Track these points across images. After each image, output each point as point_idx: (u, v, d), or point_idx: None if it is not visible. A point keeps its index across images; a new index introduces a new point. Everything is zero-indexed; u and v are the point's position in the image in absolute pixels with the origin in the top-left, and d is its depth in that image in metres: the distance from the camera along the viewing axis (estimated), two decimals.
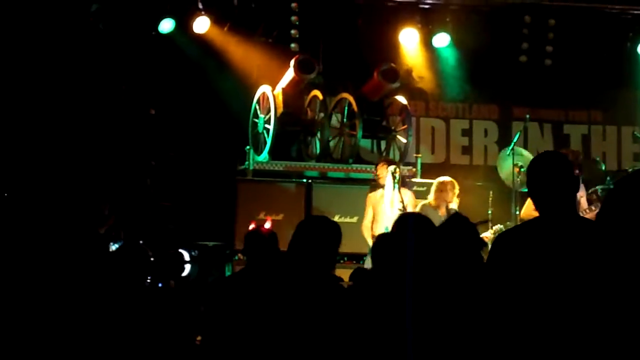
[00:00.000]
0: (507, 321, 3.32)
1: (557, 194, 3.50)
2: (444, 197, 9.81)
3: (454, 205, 9.83)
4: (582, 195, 9.46)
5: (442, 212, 9.69)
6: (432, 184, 10.32)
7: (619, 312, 3.11)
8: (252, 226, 6.56)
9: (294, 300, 4.26)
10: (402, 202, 9.75)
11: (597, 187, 10.24)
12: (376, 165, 10.26)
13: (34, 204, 10.04)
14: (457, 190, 9.92)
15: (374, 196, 10.04)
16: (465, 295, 3.78)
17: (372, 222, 9.89)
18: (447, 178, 10.02)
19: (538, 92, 13.07)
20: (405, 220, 4.36)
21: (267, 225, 6.46)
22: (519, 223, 9.35)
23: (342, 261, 9.97)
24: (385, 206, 9.94)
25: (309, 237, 4.37)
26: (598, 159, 11.42)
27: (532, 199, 3.60)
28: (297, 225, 4.46)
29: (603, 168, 10.95)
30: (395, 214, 9.79)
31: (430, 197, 10.01)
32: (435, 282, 3.99)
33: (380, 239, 4.95)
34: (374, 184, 10.27)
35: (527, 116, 11.20)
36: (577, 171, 7.72)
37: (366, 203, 10.10)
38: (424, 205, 9.97)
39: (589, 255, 3.25)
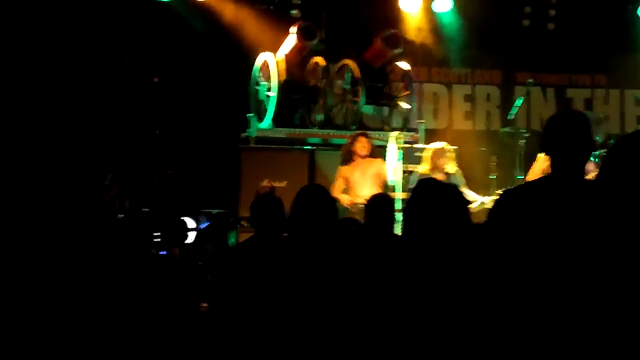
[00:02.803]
0: (506, 283, 3.33)
1: (576, 154, 3.48)
2: (439, 164, 9.67)
3: (450, 169, 9.72)
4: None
5: (440, 178, 9.65)
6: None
7: (620, 278, 3.11)
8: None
9: (301, 267, 4.30)
10: (406, 169, 9.77)
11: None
12: (354, 138, 10.03)
13: (38, 173, 10.08)
14: (451, 154, 9.76)
15: (346, 169, 9.88)
16: (463, 256, 3.78)
17: (349, 192, 9.74)
18: (438, 144, 9.80)
19: (541, 56, 13.04)
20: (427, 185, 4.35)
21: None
22: None
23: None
24: (388, 171, 9.96)
25: (306, 207, 4.42)
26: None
27: (549, 156, 3.56)
28: (295, 195, 4.52)
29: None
30: (397, 180, 9.85)
31: (425, 166, 9.83)
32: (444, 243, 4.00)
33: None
34: (345, 159, 10.00)
35: (530, 80, 11.17)
36: None
37: (337, 174, 9.92)
38: (419, 174, 9.82)
39: (594, 219, 3.24)
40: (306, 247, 4.37)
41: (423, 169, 9.73)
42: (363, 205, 9.27)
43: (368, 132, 10.47)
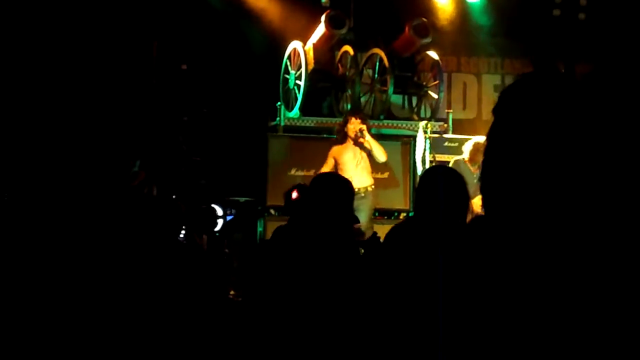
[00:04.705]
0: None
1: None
2: (477, 158, 9.66)
3: None
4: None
5: (475, 171, 9.64)
6: (463, 140, 10.27)
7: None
8: (294, 194, 6.56)
9: (318, 260, 4.29)
10: (434, 159, 9.74)
11: None
12: (346, 119, 9.97)
13: (66, 159, 10.13)
14: None
15: (337, 149, 9.81)
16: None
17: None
18: (482, 139, 9.80)
19: (571, 46, 12.93)
20: (436, 173, 4.34)
21: (294, 195, 6.49)
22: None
23: (374, 216, 9.98)
24: (417, 160, 9.94)
25: (320, 196, 4.41)
26: None
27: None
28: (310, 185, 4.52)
29: None
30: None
31: (466, 155, 9.88)
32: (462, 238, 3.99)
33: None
34: (337, 138, 9.98)
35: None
36: None
37: (328, 154, 9.84)
38: (457, 161, 9.91)
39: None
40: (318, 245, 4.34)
41: (462, 157, 9.75)
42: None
43: (364, 114, 10.37)
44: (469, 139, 10.18)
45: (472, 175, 9.18)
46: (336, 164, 9.71)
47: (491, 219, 1.73)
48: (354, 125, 9.76)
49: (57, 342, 5.67)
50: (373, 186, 9.80)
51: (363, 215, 9.06)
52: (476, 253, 1.77)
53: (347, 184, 4.63)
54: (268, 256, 4.38)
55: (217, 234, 9.70)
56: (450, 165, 9.69)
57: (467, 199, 4.14)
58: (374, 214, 10.02)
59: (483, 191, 1.78)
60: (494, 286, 1.70)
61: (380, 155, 9.82)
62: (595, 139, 1.68)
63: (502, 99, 1.82)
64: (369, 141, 9.75)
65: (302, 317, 4.23)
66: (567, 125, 1.70)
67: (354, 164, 9.65)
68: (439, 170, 4.49)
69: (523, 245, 1.67)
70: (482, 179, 1.79)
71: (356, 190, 9.53)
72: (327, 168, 9.61)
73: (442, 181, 4.05)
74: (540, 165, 1.68)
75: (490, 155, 1.78)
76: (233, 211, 10.55)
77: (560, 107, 1.73)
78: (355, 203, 9.40)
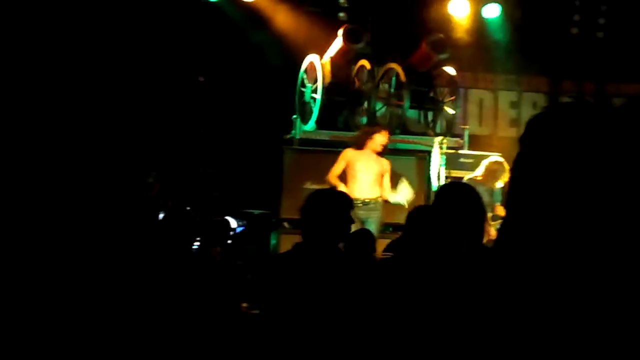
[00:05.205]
0: None
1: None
2: (494, 177, 9.54)
3: (499, 184, 9.61)
4: None
5: (486, 190, 9.55)
6: (479, 156, 10.23)
7: None
8: None
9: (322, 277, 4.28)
10: (449, 174, 9.71)
11: None
12: (374, 130, 9.84)
13: (82, 169, 10.16)
14: (507, 174, 9.56)
15: (354, 154, 9.65)
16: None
17: (347, 182, 9.54)
18: (500, 159, 9.61)
19: (589, 65, 12.91)
20: (452, 190, 4.31)
21: None
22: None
23: (387, 231, 9.96)
24: (432, 175, 9.90)
25: (316, 210, 4.39)
26: None
27: None
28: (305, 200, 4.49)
29: None
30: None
31: (479, 173, 9.76)
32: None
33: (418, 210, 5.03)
34: (355, 143, 9.81)
35: (577, 90, 11.04)
36: None
37: (340, 156, 9.69)
38: (470, 180, 9.82)
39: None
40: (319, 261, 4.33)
41: (475, 175, 9.65)
42: (362, 203, 9.33)
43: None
44: (485, 155, 10.09)
45: (483, 195, 9.09)
46: (347, 168, 9.61)
47: (516, 251, 1.71)
48: (383, 138, 9.70)
49: (69, 349, 5.67)
50: (381, 198, 9.73)
51: (373, 227, 9.03)
52: (499, 284, 1.75)
53: (344, 197, 4.58)
54: (282, 270, 4.36)
55: (230, 246, 9.70)
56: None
57: (484, 216, 4.11)
58: (387, 229, 10.00)
59: (508, 220, 1.76)
60: (519, 311, 1.67)
61: (391, 196, 9.69)
62: (623, 174, 1.65)
63: (530, 128, 1.80)
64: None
65: (314, 332, 4.21)
66: (594, 159, 1.67)
67: (368, 173, 9.59)
68: (456, 187, 4.45)
69: (547, 281, 1.65)
70: (507, 209, 1.77)
71: (367, 200, 9.58)
72: (337, 170, 9.53)
73: (459, 198, 4.01)
74: (566, 198, 1.66)
75: (515, 186, 1.76)
76: (244, 223, 10.55)
77: (589, 140, 1.70)
78: (365, 214, 9.47)
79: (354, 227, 5.48)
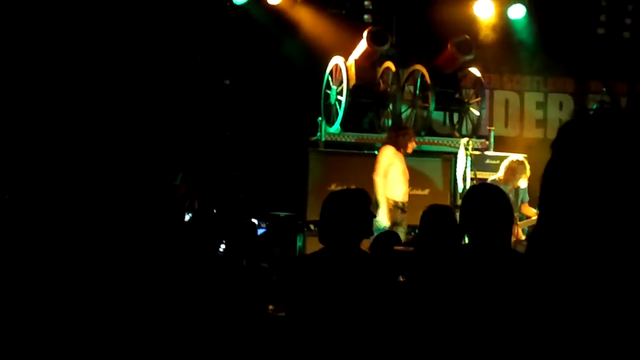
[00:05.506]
0: None
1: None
2: (514, 175, 9.51)
3: (522, 184, 9.57)
4: None
5: (510, 190, 9.53)
6: (505, 157, 10.20)
7: None
8: None
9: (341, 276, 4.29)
10: (475, 176, 9.68)
11: None
12: (409, 132, 9.94)
13: (110, 171, 10.23)
14: (528, 172, 9.53)
15: (397, 154, 9.70)
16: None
17: (388, 183, 9.57)
18: (520, 157, 9.59)
19: (615, 65, 12.83)
20: (481, 192, 4.30)
21: None
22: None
23: (412, 234, 9.94)
24: (457, 177, 9.89)
25: (332, 211, 4.39)
26: None
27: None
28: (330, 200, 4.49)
29: None
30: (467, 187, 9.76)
31: (500, 174, 9.70)
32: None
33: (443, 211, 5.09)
34: (394, 142, 9.88)
35: (604, 89, 10.99)
36: None
37: (385, 153, 9.71)
38: (492, 181, 9.77)
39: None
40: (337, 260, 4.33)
41: (497, 177, 9.61)
42: (401, 206, 9.36)
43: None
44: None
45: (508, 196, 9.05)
46: (389, 168, 9.64)
47: (548, 259, 1.71)
48: (414, 144, 9.80)
49: (94, 348, 5.71)
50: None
51: (402, 232, 9.04)
52: (530, 290, 1.75)
53: (360, 195, 4.57)
54: (307, 272, 4.38)
55: (255, 249, 9.73)
56: None
57: (512, 218, 4.10)
58: (413, 231, 9.99)
59: (540, 226, 1.76)
60: (548, 318, 1.68)
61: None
62: None
63: (562, 134, 1.80)
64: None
65: (339, 333, 4.23)
66: (628, 167, 1.67)
67: (405, 176, 9.65)
68: (484, 189, 4.45)
69: (578, 290, 1.65)
70: (539, 215, 1.77)
71: (401, 203, 9.60)
72: (385, 173, 9.58)
73: (487, 200, 4.01)
74: (598, 206, 1.66)
75: (547, 192, 1.76)
76: (266, 225, 10.58)
77: (622, 147, 1.70)
78: (400, 217, 9.46)
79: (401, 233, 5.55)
